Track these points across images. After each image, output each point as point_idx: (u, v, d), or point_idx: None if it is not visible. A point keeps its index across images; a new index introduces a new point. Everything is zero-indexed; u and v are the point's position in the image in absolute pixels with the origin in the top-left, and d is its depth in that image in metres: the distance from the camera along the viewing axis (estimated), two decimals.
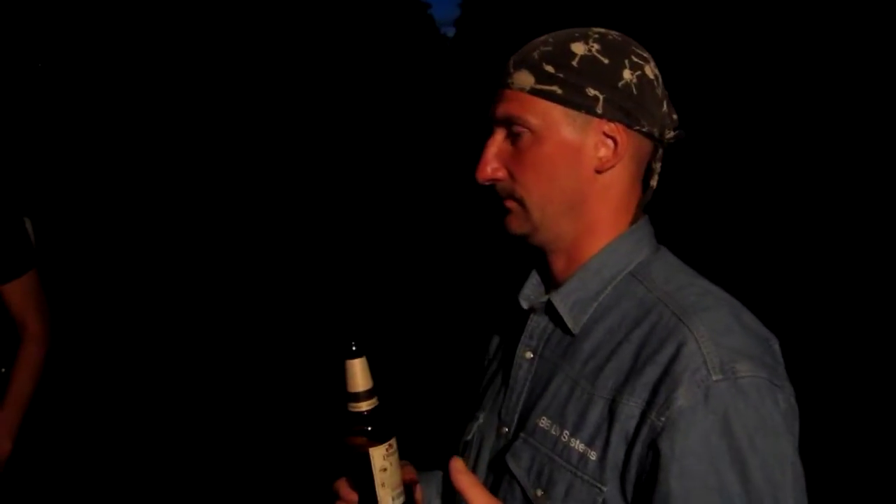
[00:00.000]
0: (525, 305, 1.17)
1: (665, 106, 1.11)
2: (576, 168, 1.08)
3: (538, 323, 1.15)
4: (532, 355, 1.15)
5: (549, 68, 1.06)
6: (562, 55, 1.07)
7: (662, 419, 0.96)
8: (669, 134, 1.12)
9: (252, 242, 5.19)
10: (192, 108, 5.04)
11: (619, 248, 1.11)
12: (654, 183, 1.16)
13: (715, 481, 0.94)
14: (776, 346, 1.04)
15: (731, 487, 0.94)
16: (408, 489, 1.16)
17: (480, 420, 1.23)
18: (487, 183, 1.12)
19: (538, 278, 1.19)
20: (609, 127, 1.07)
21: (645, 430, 0.98)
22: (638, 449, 0.98)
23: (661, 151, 1.15)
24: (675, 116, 1.13)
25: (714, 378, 0.95)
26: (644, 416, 0.98)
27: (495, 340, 1.33)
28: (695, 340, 0.98)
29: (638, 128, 1.08)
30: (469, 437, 1.24)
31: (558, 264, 1.14)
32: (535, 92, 1.07)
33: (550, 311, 1.13)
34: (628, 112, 1.07)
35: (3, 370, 2.25)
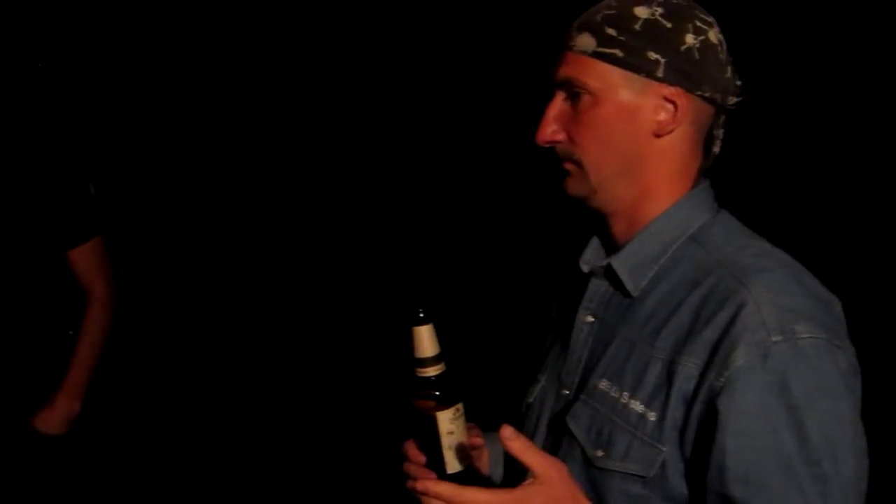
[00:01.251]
0: (585, 269, 1.18)
1: (729, 72, 1.10)
2: (633, 131, 1.09)
3: (598, 286, 1.17)
4: (592, 318, 1.17)
5: (611, 31, 1.07)
6: (624, 18, 1.07)
7: (721, 379, 0.97)
8: (732, 100, 1.11)
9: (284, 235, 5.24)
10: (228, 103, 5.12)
11: (678, 211, 1.11)
12: (716, 149, 1.16)
13: (772, 440, 0.95)
14: (838, 308, 1.04)
15: (787, 447, 0.95)
16: (473, 453, 1.20)
17: (542, 382, 1.25)
18: (547, 145, 1.13)
19: (598, 242, 1.20)
20: (669, 91, 1.07)
21: (703, 391, 0.99)
22: (696, 409, 0.99)
23: (723, 117, 1.14)
24: (738, 83, 1.12)
25: (773, 339, 0.96)
26: (702, 376, 0.99)
27: (556, 304, 1.35)
28: (754, 302, 0.98)
29: (699, 93, 1.08)
30: (531, 400, 1.26)
31: (618, 228, 1.15)
32: (596, 55, 1.07)
33: (610, 274, 1.14)
34: (689, 76, 1.07)
35: (71, 333, 2.34)
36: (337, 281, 4.97)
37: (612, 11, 1.08)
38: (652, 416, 1.03)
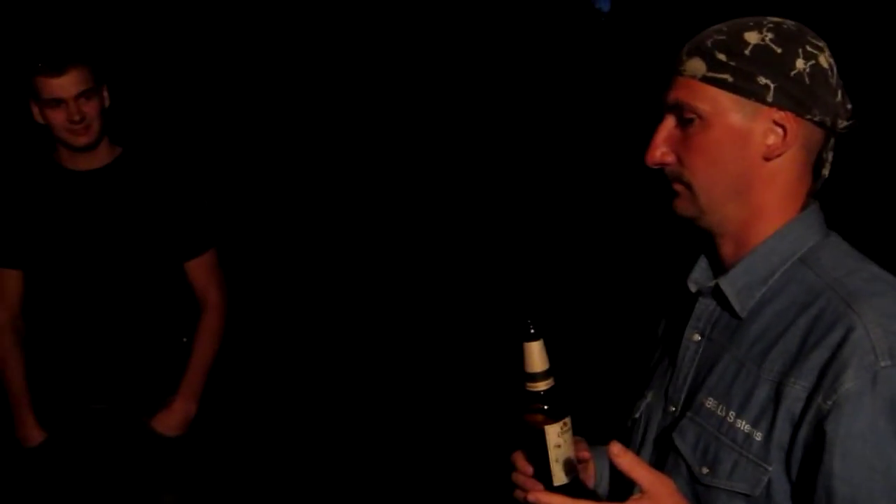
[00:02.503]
0: (693, 289, 1.20)
1: (839, 95, 1.11)
2: (743, 154, 1.10)
3: (706, 306, 1.18)
4: (699, 337, 1.18)
5: (722, 56, 1.09)
6: (735, 43, 1.09)
7: (829, 402, 0.98)
8: (843, 123, 1.12)
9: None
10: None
11: (788, 234, 1.12)
12: (825, 172, 1.17)
13: (880, 463, 0.96)
14: None
15: (892, 469, 0.95)
16: (579, 466, 1.23)
17: (648, 399, 1.28)
18: (656, 166, 1.15)
19: (706, 263, 1.22)
20: (779, 115, 1.09)
21: (811, 413, 1.00)
22: (804, 431, 1.01)
23: (832, 141, 1.15)
24: (849, 106, 1.13)
25: (882, 364, 0.97)
26: (810, 398, 1.00)
27: (664, 323, 1.37)
28: (863, 326, 0.99)
29: (809, 116, 1.09)
30: (637, 415, 1.29)
31: (727, 249, 1.17)
32: (706, 79, 1.09)
33: (718, 295, 1.15)
34: (799, 101, 1.08)
35: (185, 340, 2.47)
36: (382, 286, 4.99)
37: (723, 37, 1.10)
38: (758, 437, 1.04)
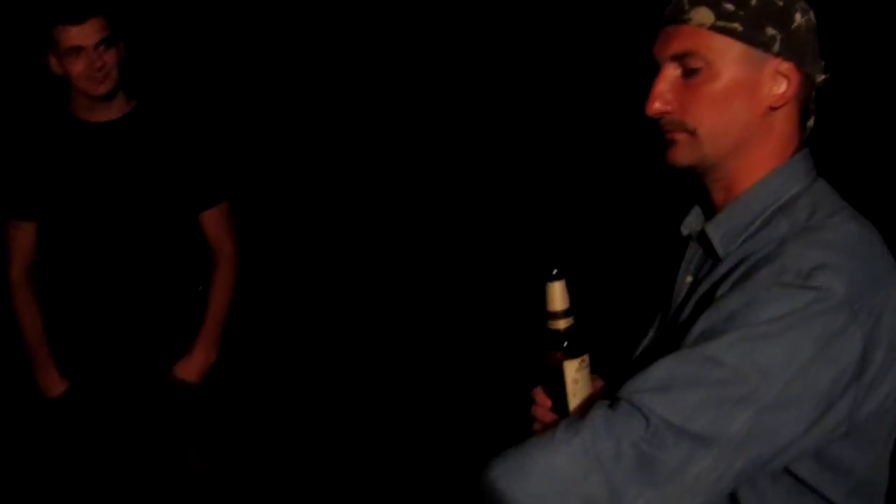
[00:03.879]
0: (685, 233, 1.27)
1: (817, 50, 1.17)
2: (750, 104, 1.13)
3: (695, 250, 1.24)
4: (691, 279, 1.24)
5: (729, 6, 1.10)
6: None
7: (721, 292, 1.07)
8: (820, 77, 1.17)
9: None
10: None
11: (770, 182, 1.16)
12: (810, 123, 1.21)
13: (719, 315, 1.03)
14: (891, 294, 1.06)
15: (727, 321, 1.02)
16: None
17: (650, 336, 1.33)
18: (657, 116, 1.17)
19: (699, 209, 1.27)
20: (783, 66, 1.12)
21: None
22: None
23: (813, 93, 1.19)
24: (822, 62, 1.18)
25: (783, 278, 1.02)
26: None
27: (666, 267, 1.41)
28: (787, 252, 1.05)
29: (804, 69, 1.14)
30: (637, 354, 1.34)
31: (717, 196, 1.20)
32: (715, 28, 1.11)
33: (703, 239, 1.20)
34: (799, 53, 1.12)
35: (200, 288, 2.52)
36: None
37: None
38: None
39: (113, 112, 2.34)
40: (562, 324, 1.21)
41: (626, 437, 0.98)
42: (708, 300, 1.11)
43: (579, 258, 4.13)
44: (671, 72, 1.15)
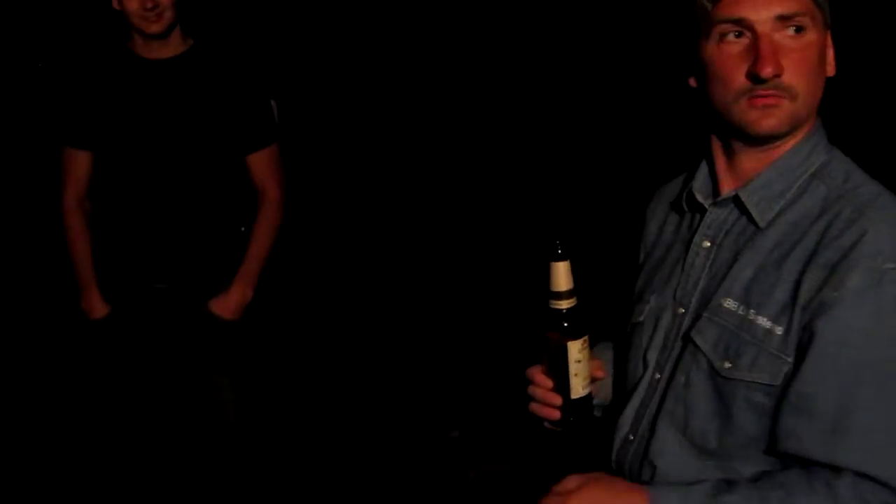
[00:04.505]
0: (701, 198, 1.26)
1: None
2: (824, 68, 1.17)
3: (718, 215, 1.24)
4: (710, 244, 1.23)
5: None
6: None
7: (835, 293, 1.05)
8: None
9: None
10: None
11: (800, 150, 1.19)
12: None
13: (874, 355, 1.04)
14: None
15: (890, 364, 1.04)
16: (594, 385, 1.30)
17: (652, 303, 1.31)
18: (773, 77, 1.12)
19: (707, 174, 1.28)
20: (829, 38, 1.18)
21: (816, 303, 1.07)
22: (807, 317, 1.08)
23: None
24: None
25: (887, 266, 1.05)
26: (819, 290, 1.07)
27: (650, 237, 1.42)
28: (875, 230, 1.07)
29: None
30: (641, 319, 1.32)
31: (749, 162, 1.21)
32: None
33: (738, 204, 1.21)
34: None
35: (243, 229, 2.57)
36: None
37: None
38: (779, 331, 1.11)
39: (169, 50, 2.39)
40: (565, 304, 1.20)
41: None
42: (774, 273, 1.13)
43: (580, 238, 4.07)
44: (776, 34, 1.13)
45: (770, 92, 1.13)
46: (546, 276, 1.20)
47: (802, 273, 1.09)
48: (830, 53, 1.18)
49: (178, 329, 2.54)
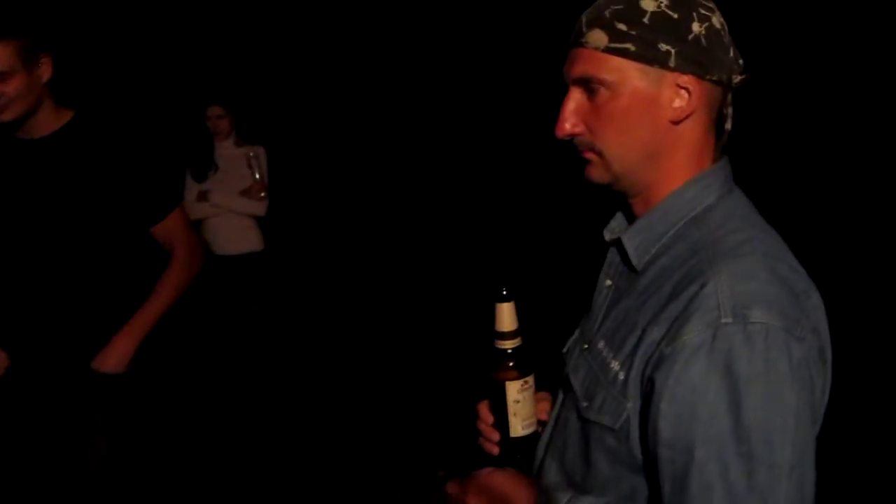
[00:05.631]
0: (607, 238, 1.28)
1: (732, 52, 1.16)
2: (652, 120, 1.13)
3: (614, 256, 1.26)
4: (610, 283, 1.26)
5: (622, 26, 1.11)
6: (633, 12, 1.11)
7: (669, 349, 1.04)
8: (737, 78, 1.17)
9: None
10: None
11: (685, 193, 1.17)
12: (728, 126, 1.21)
13: (705, 413, 1.01)
14: (812, 300, 1.09)
15: (720, 422, 1.00)
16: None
17: (575, 336, 1.36)
18: (566, 138, 1.19)
19: (622, 216, 1.29)
20: (682, 79, 1.12)
21: (656, 356, 1.06)
22: (648, 371, 1.07)
23: (730, 96, 1.19)
24: (741, 61, 1.18)
25: (723, 320, 1.01)
26: (658, 343, 1.06)
27: (589, 269, 1.45)
28: (714, 283, 1.04)
29: (709, 77, 1.13)
30: (565, 350, 1.37)
31: (637, 207, 1.22)
32: (609, 50, 1.11)
33: (620, 247, 1.22)
34: (699, 63, 1.11)
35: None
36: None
37: (620, 6, 1.12)
38: (622, 375, 1.12)
39: (42, 129, 2.28)
40: (509, 344, 1.25)
41: None
42: (634, 318, 1.14)
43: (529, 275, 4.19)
44: (577, 94, 1.16)
45: (580, 147, 1.18)
46: (491, 316, 1.24)
47: (649, 322, 1.09)
48: (671, 99, 1.13)
49: (60, 391, 2.39)
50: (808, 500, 1.03)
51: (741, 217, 1.15)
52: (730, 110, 1.20)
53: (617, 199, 1.30)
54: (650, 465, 1.09)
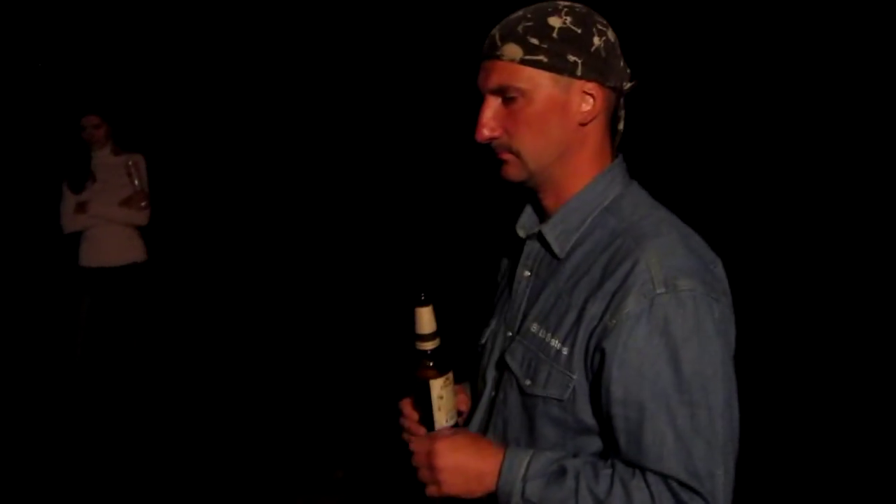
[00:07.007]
0: (522, 234, 1.40)
1: (622, 62, 1.33)
2: (563, 122, 1.28)
3: (532, 248, 1.39)
4: (529, 273, 1.38)
5: (535, 40, 1.24)
6: (543, 28, 1.25)
7: (614, 321, 1.19)
8: (627, 85, 1.34)
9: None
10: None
11: (595, 187, 1.33)
12: (621, 126, 1.38)
13: (651, 371, 1.17)
14: (718, 267, 1.28)
15: (664, 377, 1.17)
16: (460, 418, 1.42)
17: (492, 326, 1.48)
18: (486, 142, 1.32)
19: (531, 210, 1.42)
20: (588, 86, 1.27)
21: (600, 329, 1.21)
22: (593, 343, 1.22)
23: (622, 100, 1.36)
24: (629, 70, 1.34)
25: (658, 291, 1.18)
26: (601, 317, 1.21)
27: (504, 263, 1.59)
28: (645, 260, 1.20)
29: (608, 84, 1.29)
30: (483, 341, 1.50)
31: (548, 202, 1.36)
32: (524, 62, 1.25)
33: (541, 239, 1.36)
34: (601, 71, 1.27)
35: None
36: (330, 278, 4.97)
37: (531, 23, 1.26)
38: (565, 351, 1.25)
39: None
40: (429, 345, 1.33)
41: None
42: (566, 299, 1.27)
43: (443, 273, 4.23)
44: (493, 102, 1.29)
45: (497, 150, 1.31)
46: (411, 320, 1.33)
47: (587, 300, 1.23)
48: (579, 104, 1.27)
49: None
50: (736, 433, 1.21)
51: (648, 205, 1.33)
52: (623, 112, 1.37)
53: (518, 203, 1.44)
54: (604, 424, 1.24)
